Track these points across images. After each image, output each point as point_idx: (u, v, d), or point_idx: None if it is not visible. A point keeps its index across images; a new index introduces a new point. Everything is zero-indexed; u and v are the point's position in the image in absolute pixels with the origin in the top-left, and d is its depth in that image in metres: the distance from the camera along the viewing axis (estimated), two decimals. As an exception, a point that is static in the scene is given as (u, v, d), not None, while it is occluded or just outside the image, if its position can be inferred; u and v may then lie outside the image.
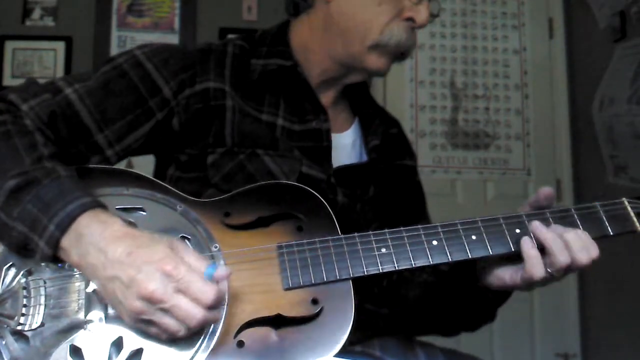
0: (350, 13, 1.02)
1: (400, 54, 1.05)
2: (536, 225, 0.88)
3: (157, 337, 0.75)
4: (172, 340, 0.75)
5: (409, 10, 1.02)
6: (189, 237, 0.85)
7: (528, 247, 0.86)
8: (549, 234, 0.87)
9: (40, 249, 0.77)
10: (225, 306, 0.77)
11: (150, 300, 0.71)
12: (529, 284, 0.88)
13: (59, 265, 0.81)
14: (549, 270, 0.86)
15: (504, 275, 0.90)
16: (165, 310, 0.72)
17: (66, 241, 0.77)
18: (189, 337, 0.76)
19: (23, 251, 0.79)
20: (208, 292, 0.73)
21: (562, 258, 0.85)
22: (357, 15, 1.02)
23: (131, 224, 0.82)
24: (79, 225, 0.77)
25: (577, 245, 0.85)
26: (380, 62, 1.04)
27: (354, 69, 1.06)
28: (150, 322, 0.73)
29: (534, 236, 0.87)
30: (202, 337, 0.77)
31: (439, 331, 1.10)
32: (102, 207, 0.80)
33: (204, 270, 0.75)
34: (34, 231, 0.77)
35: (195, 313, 0.72)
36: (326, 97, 1.10)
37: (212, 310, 0.74)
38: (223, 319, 0.78)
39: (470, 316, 1.04)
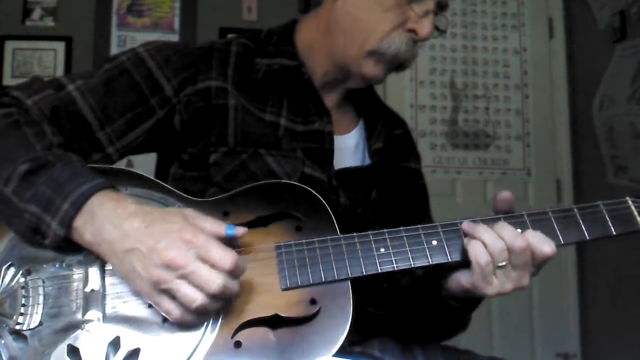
0: (355, 14, 1.02)
1: (398, 64, 1.04)
2: (465, 224, 0.86)
3: (169, 314, 0.75)
4: (179, 325, 0.76)
5: (413, 22, 1.00)
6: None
7: (467, 243, 0.84)
8: (473, 224, 0.85)
9: (53, 230, 0.77)
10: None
11: (171, 267, 0.72)
12: (480, 276, 0.83)
13: (58, 266, 0.80)
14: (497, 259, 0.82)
15: (460, 278, 0.87)
16: (185, 277, 0.73)
17: (80, 220, 0.77)
18: (187, 335, 0.76)
19: (33, 236, 0.79)
20: (227, 258, 0.74)
21: (486, 235, 0.83)
22: (361, 18, 1.01)
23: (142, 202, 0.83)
24: (93, 204, 0.78)
25: (507, 231, 0.83)
26: (377, 69, 1.03)
27: (350, 74, 1.06)
28: (167, 293, 0.74)
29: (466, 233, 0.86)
30: (199, 337, 0.77)
31: (427, 335, 1.07)
32: (114, 188, 0.82)
33: (223, 232, 0.78)
34: (47, 212, 0.77)
35: (216, 278, 0.73)
36: (330, 99, 1.09)
37: (232, 277, 0.75)
38: (221, 319, 0.78)
39: (439, 323, 1.01)
